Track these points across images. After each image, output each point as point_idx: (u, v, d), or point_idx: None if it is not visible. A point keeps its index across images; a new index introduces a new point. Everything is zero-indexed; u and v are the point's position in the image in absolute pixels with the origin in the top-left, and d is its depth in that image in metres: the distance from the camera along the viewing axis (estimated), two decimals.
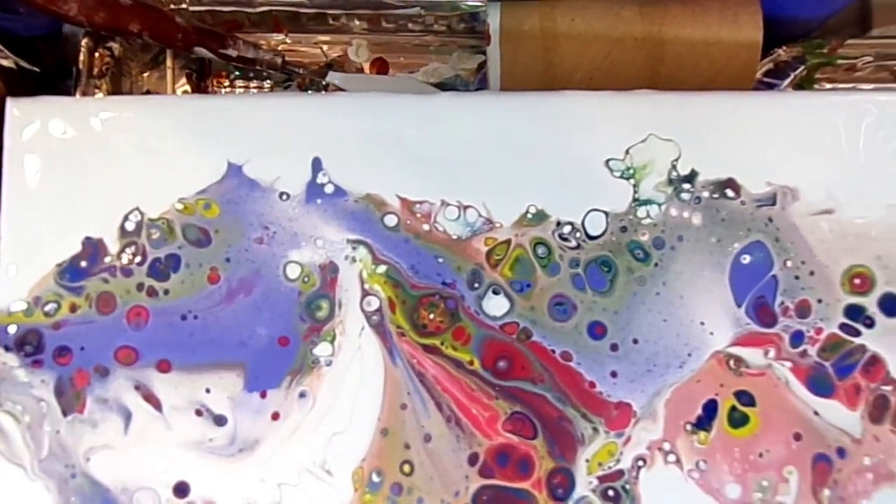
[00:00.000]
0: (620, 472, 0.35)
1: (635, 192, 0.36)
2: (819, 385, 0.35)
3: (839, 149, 0.37)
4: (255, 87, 0.53)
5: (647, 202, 0.36)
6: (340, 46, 0.55)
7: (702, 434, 0.35)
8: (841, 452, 0.35)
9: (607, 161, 0.36)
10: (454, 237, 0.36)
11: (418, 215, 0.36)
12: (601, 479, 0.35)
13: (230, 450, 0.34)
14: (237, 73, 0.53)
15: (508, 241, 0.36)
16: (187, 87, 0.52)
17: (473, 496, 0.34)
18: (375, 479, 0.34)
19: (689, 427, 0.35)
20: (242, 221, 0.36)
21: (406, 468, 0.34)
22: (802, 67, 0.54)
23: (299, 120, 0.36)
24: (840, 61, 0.54)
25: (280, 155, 0.36)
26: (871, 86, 0.56)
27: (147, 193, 0.36)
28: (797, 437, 0.35)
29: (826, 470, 0.35)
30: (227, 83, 0.53)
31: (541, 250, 0.36)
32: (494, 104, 0.37)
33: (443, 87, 0.55)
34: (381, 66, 0.55)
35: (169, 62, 0.51)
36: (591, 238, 0.36)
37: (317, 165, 0.36)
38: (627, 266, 0.36)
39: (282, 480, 0.34)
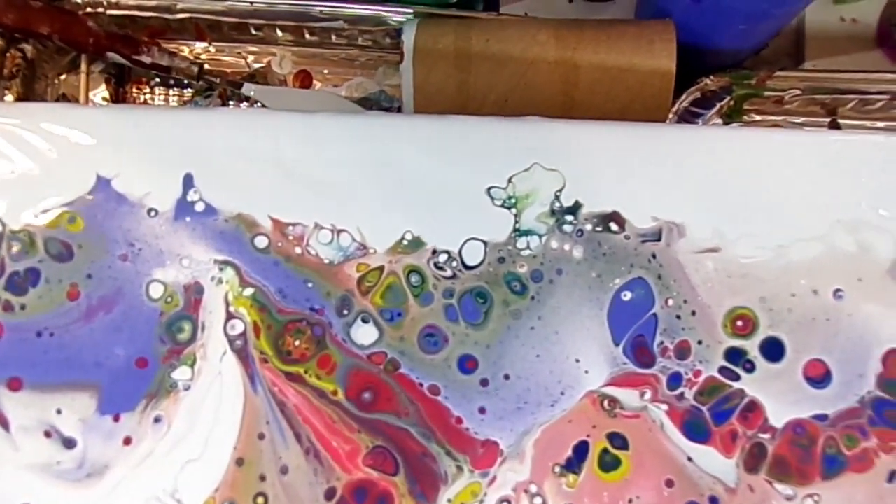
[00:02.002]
0: None
1: (516, 222, 0.34)
2: (695, 430, 0.33)
3: (729, 186, 0.35)
4: (175, 96, 0.51)
5: (527, 233, 0.34)
6: (265, 57, 0.52)
7: (571, 477, 0.33)
8: (714, 501, 0.33)
9: (489, 189, 0.34)
10: (326, 262, 0.34)
11: (290, 238, 0.34)
12: None
13: (78, 474, 0.32)
14: (157, 80, 0.51)
15: (381, 268, 0.34)
16: (106, 93, 0.50)
17: None
18: None
19: (557, 469, 0.33)
20: (107, 237, 0.33)
21: (260, 500, 0.32)
22: (729, 98, 0.51)
23: (173, 134, 0.34)
24: (768, 93, 0.51)
25: (151, 170, 0.34)
26: (800, 119, 0.54)
27: (9, 203, 0.33)
28: (669, 483, 0.33)
29: None
30: (147, 90, 0.51)
31: (414, 279, 0.33)
32: (375, 126, 0.35)
33: (367, 102, 0.52)
34: (304, 79, 0.52)
35: (84, 67, 0.48)
36: (468, 268, 0.34)
37: (188, 182, 0.34)
38: (503, 299, 0.33)
39: None
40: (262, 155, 0.35)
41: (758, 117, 0.54)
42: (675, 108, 0.54)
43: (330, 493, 0.33)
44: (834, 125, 0.54)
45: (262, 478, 0.33)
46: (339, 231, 0.35)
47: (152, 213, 0.35)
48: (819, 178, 0.36)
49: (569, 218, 0.35)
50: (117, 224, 0.35)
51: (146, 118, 0.35)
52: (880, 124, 0.53)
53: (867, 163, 0.35)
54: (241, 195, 0.35)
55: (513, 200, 0.35)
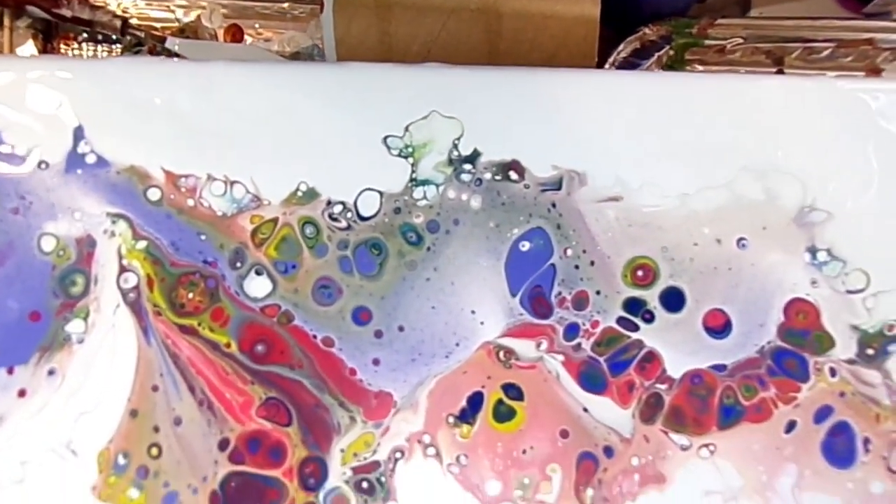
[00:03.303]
0: (376, 464, 0.32)
1: (413, 171, 0.33)
2: (591, 380, 0.32)
3: (633, 133, 0.33)
4: (104, 51, 0.49)
5: (424, 182, 0.33)
6: (195, 10, 0.50)
7: (464, 427, 0.32)
8: (608, 451, 0.32)
9: (385, 138, 0.33)
10: (219, 214, 0.33)
11: (183, 190, 0.33)
12: (356, 469, 0.32)
13: None
14: (85, 35, 0.49)
15: (275, 220, 0.33)
16: (34, 49, 0.48)
17: (221, 482, 0.32)
18: (122, 461, 0.32)
19: (451, 419, 0.32)
20: None
21: (154, 451, 0.32)
22: (669, 47, 0.49)
23: (63, 86, 0.33)
24: (710, 42, 0.49)
25: (40, 121, 0.33)
26: (745, 69, 0.52)
27: None
28: (564, 434, 0.32)
29: (591, 469, 0.32)
30: (74, 45, 0.49)
31: (309, 230, 0.32)
32: (269, 75, 0.33)
33: (299, 56, 0.50)
34: (235, 33, 0.51)
35: (6, 21, 0.47)
36: (363, 219, 0.33)
37: (78, 134, 0.33)
38: (399, 249, 0.32)
39: (25, 459, 0.33)
40: (154, 106, 0.34)
41: (700, 67, 0.52)
42: (612, 59, 0.52)
43: (223, 444, 0.33)
44: (780, 74, 0.52)
45: (156, 429, 0.33)
46: (233, 182, 0.34)
47: (43, 166, 0.34)
48: (725, 124, 0.34)
49: (467, 167, 0.34)
50: (7, 177, 0.34)
51: (35, 68, 0.34)
52: (830, 74, 0.51)
53: (773, 107, 0.34)
54: (133, 147, 0.34)
55: (410, 149, 0.34)
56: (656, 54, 0.50)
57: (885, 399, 0.33)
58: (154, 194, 0.34)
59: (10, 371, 0.33)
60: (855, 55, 0.50)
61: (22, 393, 0.33)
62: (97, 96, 0.34)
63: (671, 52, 0.50)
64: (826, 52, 0.50)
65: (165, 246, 0.34)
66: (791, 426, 0.33)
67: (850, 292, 0.34)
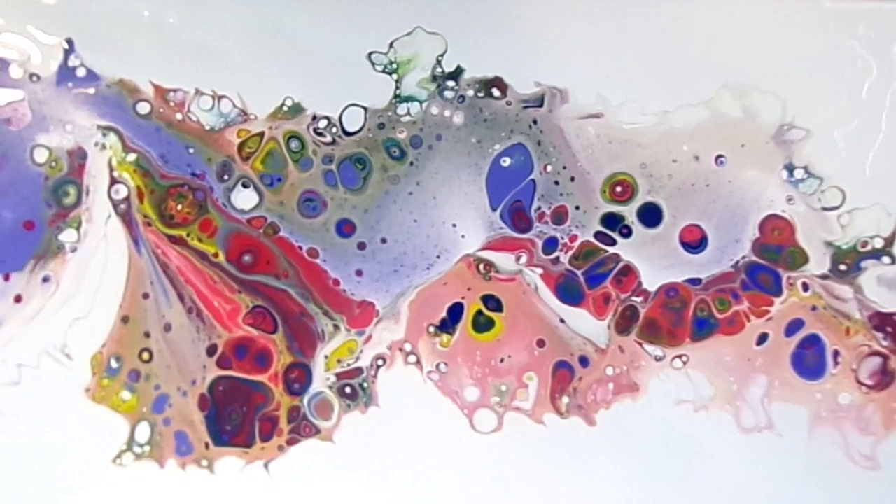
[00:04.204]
0: (359, 370, 0.33)
1: (397, 87, 0.33)
2: (568, 293, 0.33)
3: (615, 51, 0.33)
4: None
5: (408, 99, 0.33)
6: None
7: (444, 337, 0.33)
8: (584, 361, 0.33)
9: (370, 54, 0.33)
10: (207, 127, 0.34)
11: (171, 103, 0.33)
12: (339, 375, 0.33)
13: None
14: None
15: (262, 134, 0.33)
16: None
17: (210, 386, 0.33)
18: (114, 364, 0.33)
19: (432, 329, 0.33)
20: None
21: (145, 356, 0.33)
22: None
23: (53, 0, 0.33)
24: None
25: (32, 35, 0.33)
26: None
27: None
28: (541, 343, 0.33)
29: (567, 377, 0.33)
30: None
31: (294, 144, 0.33)
32: None
33: None
34: None
35: None
36: (348, 134, 0.33)
37: (69, 48, 0.33)
38: (382, 164, 0.33)
39: (21, 361, 0.34)
40: (143, 20, 0.35)
41: None
42: None
43: (212, 350, 0.34)
44: None
45: (147, 335, 0.34)
46: (220, 97, 0.35)
47: (34, 79, 0.34)
48: (706, 43, 0.34)
49: (450, 83, 0.34)
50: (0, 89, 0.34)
51: None
52: None
53: (755, 26, 0.34)
54: (122, 61, 0.35)
55: (394, 66, 0.34)
56: None
57: (856, 313, 0.34)
58: (143, 108, 0.35)
59: (7, 277, 0.34)
60: None
61: (18, 299, 0.34)
62: (87, 10, 0.35)
63: None
64: None
65: (155, 158, 0.34)
66: (763, 339, 0.34)
67: (825, 209, 0.34)
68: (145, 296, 0.34)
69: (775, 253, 0.34)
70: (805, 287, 0.34)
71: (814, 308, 0.34)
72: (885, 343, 0.34)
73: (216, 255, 0.35)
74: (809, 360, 0.34)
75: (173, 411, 0.34)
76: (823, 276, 0.34)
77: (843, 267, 0.34)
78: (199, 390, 0.34)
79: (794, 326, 0.34)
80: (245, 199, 0.35)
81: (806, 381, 0.34)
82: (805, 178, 0.34)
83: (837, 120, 0.34)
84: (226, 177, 0.35)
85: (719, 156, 0.34)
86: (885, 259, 0.34)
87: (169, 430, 0.34)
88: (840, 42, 0.34)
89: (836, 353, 0.34)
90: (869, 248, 0.34)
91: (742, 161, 0.34)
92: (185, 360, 0.34)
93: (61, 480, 0.34)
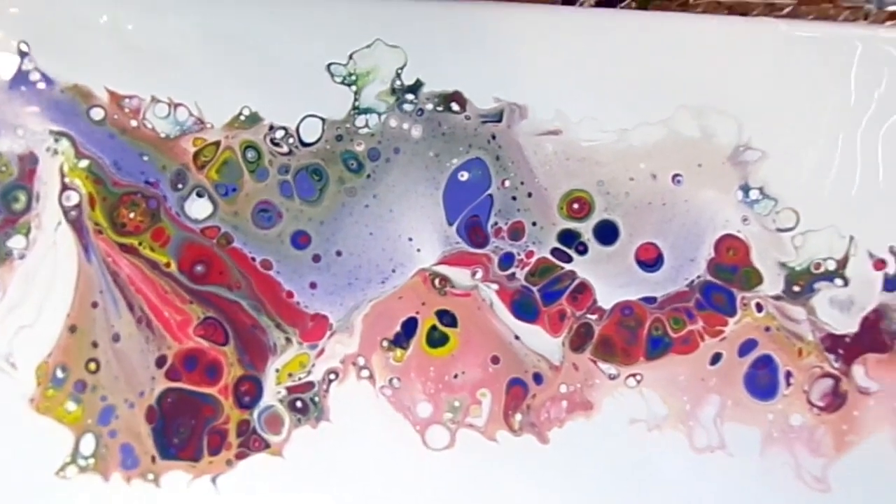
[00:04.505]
0: (310, 384, 0.32)
1: (356, 99, 0.33)
2: (523, 309, 0.33)
3: (575, 68, 0.33)
4: None
5: (367, 111, 0.33)
6: None
7: (398, 351, 0.32)
8: (538, 378, 0.32)
9: (329, 65, 0.33)
10: (162, 135, 0.33)
11: (126, 110, 0.33)
12: (290, 389, 0.32)
13: None
14: None
15: (218, 143, 0.33)
16: None
17: (158, 398, 0.32)
18: (60, 374, 0.32)
19: (385, 343, 0.32)
20: None
21: (92, 366, 0.32)
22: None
23: (6, 3, 0.32)
24: None
25: None
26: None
27: None
28: (495, 360, 0.32)
29: (520, 395, 0.32)
30: None
31: (250, 154, 0.32)
32: None
33: None
34: None
35: None
36: (305, 145, 0.33)
37: (23, 51, 0.32)
38: (339, 176, 0.32)
39: None
40: (99, 25, 0.34)
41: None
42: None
43: (161, 361, 0.33)
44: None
45: (95, 344, 0.33)
46: (177, 105, 0.34)
47: None
48: (665, 62, 0.35)
49: (409, 97, 0.34)
50: None
51: None
52: None
53: (713, 47, 0.34)
54: (77, 66, 0.34)
55: (353, 77, 0.34)
56: (619, 5, 0.50)
57: (809, 335, 0.34)
58: (97, 114, 0.34)
59: None
60: (816, 13, 0.50)
61: None
62: (43, 14, 0.34)
63: (633, 4, 0.50)
64: (788, 9, 0.50)
65: (108, 165, 0.34)
66: (716, 358, 0.34)
67: (779, 230, 0.34)
68: (94, 305, 0.34)
69: (730, 273, 0.34)
70: (759, 308, 0.34)
71: (767, 329, 0.34)
72: (836, 365, 0.34)
73: (168, 265, 0.34)
74: (762, 380, 0.34)
75: (120, 423, 0.33)
76: (777, 297, 0.34)
77: (796, 288, 0.34)
78: (147, 402, 0.34)
79: (747, 347, 0.34)
80: (199, 208, 0.34)
81: (758, 401, 0.34)
82: (760, 198, 0.34)
83: (793, 142, 0.34)
84: (180, 185, 0.34)
85: (676, 175, 0.34)
86: (838, 281, 0.34)
87: (115, 443, 0.33)
88: (797, 65, 0.34)
89: (788, 374, 0.34)
90: (822, 269, 0.34)
91: (699, 181, 0.34)
92: (134, 371, 0.34)
93: (2, 493, 0.33)
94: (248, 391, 0.34)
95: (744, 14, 0.52)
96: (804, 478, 0.34)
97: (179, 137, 0.34)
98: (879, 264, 0.34)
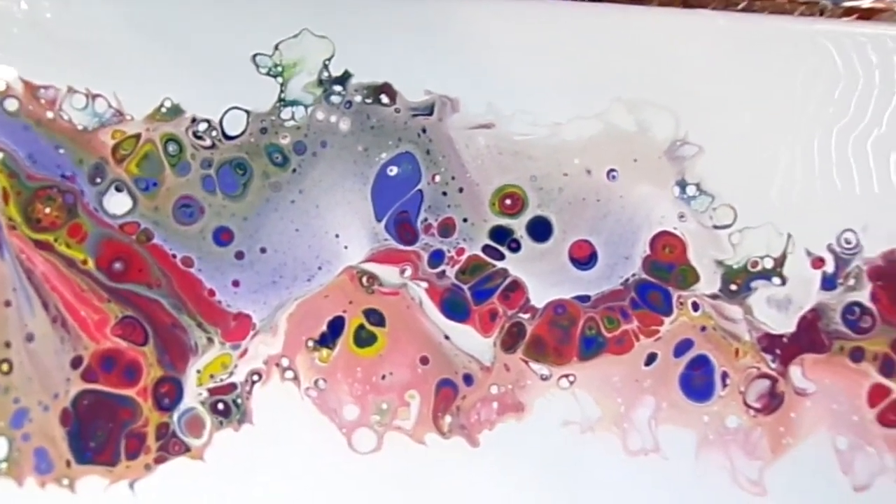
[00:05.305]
0: (233, 386, 0.31)
1: (282, 91, 0.32)
2: (454, 308, 0.32)
3: (508, 61, 0.32)
4: None
5: (292, 103, 0.32)
6: None
7: (324, 351, 0.31)
8: (468, 379, 0.31)
9: (254, 56, 0.32)
10: (79, 127, 0.32)
11: (42, 101, 0.32)
12: (212, 391, 0.31)
13: None
14: None
15: (138, 136, 0.32)
16: None
17: (73, 400, 0.31)
18: None
19: (311, 343, 0.31)
20: None
21: (4, 367, 0.31)
22: None
23: None
24: None
25: None
26: None
27: None
28: (424, 360, 0.31)
29: (450, 396, 0.31)
30: None
31: (172, 148, 0.31)
32: None
33: None
34: None
35: None
36: (228, 138, 0.32)
37: None
38: (263, 170, 0.31)
39: None
40: (14, 13, 0.33)
41: None
42: None
43: (77, 362, 0.32)
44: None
45: (7, 345, 0.32)
46: (95, 96, 0.33)
47: None
48: (600, 55, 0.34)
49: (337, 88, 0.33)
50: None
51: None
52: None
53: (649, 39, 0.33)
54: None
55: (279, 69, 0.33)
56: None
57: (745, 334, 0.33)
58: (11, 104, 0.33)
59: None
60: (771, 8, 0.49)
61: None
62: None
63: None
64: (743, 3, 0.49)
65: (22, 158, 0.33)
66: (651, 359, 0.33)
67: (716, 227, 0.33)
68: (7, 303, 0.32)
69: (666, 271, 0.33)
70: (695, 307, 0.33)
71: (703, 328, 0.33)
72: (773, 365, 0.33)
73: (85, 262, 0.33)
74: (697, 381, 0.33)
75: (33, 426, 0.32)
76: (714, 296, 0.33)
77: (733, 287, 0.33)
78: (62, 404, 0.32)
79: (682, 347, 0.33)
80: (118, 203, 0.33)
81: (694, 403, 0.33)
82: (697, 195, 0.33)
83: (732, 137, 0.33)
84: (98, 180, 0.33)
85: (611, 170, 0.33)
86: (776, 280, 0.33)
87: (28, 447, 0.32)
88: (734, 59, 0.34)
89: (724, 375, 0.33)
90: (759, 268, 0.33)
91: (634, 176, 0.33)
92: (48, 373, 0.32)
93: None
94: (168, 393, 0.33)
95: (702, 7, 0.51)
96: (740, 481, 0.33)
97: (98, 130, 0.33)
98: (818, 262, 0.33)
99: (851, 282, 0.33)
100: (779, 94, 0.34)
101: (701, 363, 0.33)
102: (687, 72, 0.34)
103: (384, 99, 0.34)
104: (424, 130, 0.34)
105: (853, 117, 0.34)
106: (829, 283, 0.33)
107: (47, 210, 0.33)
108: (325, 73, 0.34)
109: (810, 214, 0.33)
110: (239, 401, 0.33)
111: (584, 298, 0.33)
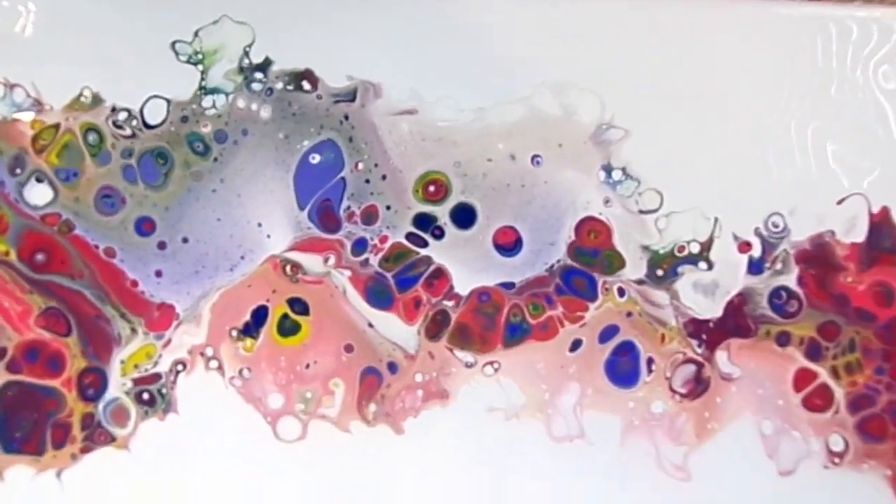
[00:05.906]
0: (157, 376, 0.31)
1: (202, 79, 0.31)
2: (377, 296, 0.31)
3: (431, 45, 0.32)
4: None
5: (213, 91, 0.31)
6: None
7: (248, 341, 0.31)
8: (392, 367, 0.31)
9: (174, 43, 0.31)
10: None
11: None
12: (136, 381, 0.31)
13: None
14: None
15: (57, 126, 0.31)
16: None
17: None
18: None
19: (234, 333, 0.31)
20: None
21: None
22: None
23: None
24: None
25: None
26: None
27: None
28: (348, 348, 0.31)
29: (375, 384, 0.31)
30: None
31: (92, 137, 0.31)
32: None
33: None
34: None
35: None
36: (149, 127, 0.31)
37: None
38: (185, 159, 0.31)
39: None
40: None
41: None
42: None
43: (1, 353, 0.32)
44: None
45: None
46: (13, 86, 0.33)
47: None
48: (526, 38, 0.33)
49: (258, 76, 0.33)
50: None
51: None
52: None
53: (574, 22, 0.32)
54: None
55: (199, 56, 0.33)
56: None
57: (672, 320, 0.33)
58: None
59: None
60: None
61: None
62: None
63: None
64: None
65: None
66: (576, 345, 0.33)
67: (642, 212, 0.33)
68: None
69: (591, 257, 0.33)
70: (621, 292, 0.33)
71: (629, 314, 0.33)
72: (699, 351, 0.33)
73: (7, 254, 0.33)
74: (623, 367, 0.33)
75: None
76: (640, 282, 0.33)
77: (659, 272, 0.33)
78: None
79: (608, 333, 0.33)
80: (38, 194, 0.33)
81: (619, 388, 0.33)
82: (623, 179, 0.33)
83: (657, 120, 0.33)
84: (18, 170, 0.33)
85: (536, 155, 0.33)
86: (702, 264, 0.33)
87: None
88: (660, 40, 0.33)
89: (650, 361, 0.33)
90: (686, 252, 0.33)
91: (559, 161, 0.33)
92: None
93: None
94: (93, 383, 0.33)
95: None
96: (665, 466, 0.33)
97: (16, 120, 0.33)
98: (744, 247, 0.33)
99: (779, 266, 0.33)
100: (706, 77, 0.33)
101: (626, 349, 0.33)
102: (612, 55, 0.33)
103: (306, 86, 0.33)
104: (347, 117, 0.33)
105: (784, 99, 0.33)
106: (755, 268, 0.33)
107: None
108: (246, 61, 0.33)
109: (737, 198, 0.33)
110: (164, 391, 0.33)
111: (508, 285, 0.33)
